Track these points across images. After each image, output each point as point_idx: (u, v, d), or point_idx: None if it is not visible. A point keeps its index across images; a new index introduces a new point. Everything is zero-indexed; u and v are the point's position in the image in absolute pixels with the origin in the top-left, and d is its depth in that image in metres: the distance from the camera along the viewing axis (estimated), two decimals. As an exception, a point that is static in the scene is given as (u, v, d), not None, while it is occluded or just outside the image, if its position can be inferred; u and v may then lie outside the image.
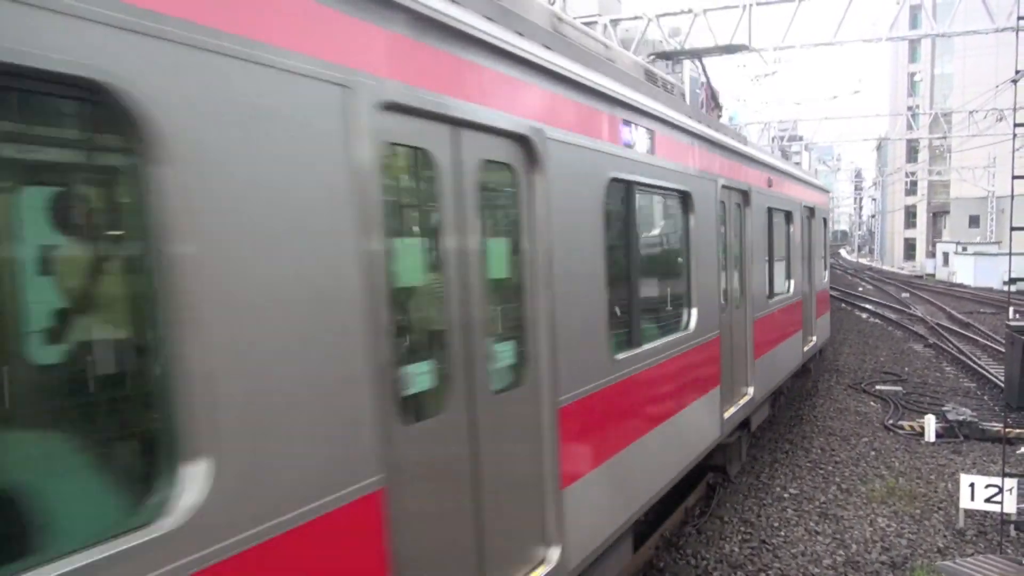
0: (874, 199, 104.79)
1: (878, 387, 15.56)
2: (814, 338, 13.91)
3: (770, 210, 10.57)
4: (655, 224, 6.80)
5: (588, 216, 4.88)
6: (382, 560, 2.89)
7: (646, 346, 5.83)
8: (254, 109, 2.45)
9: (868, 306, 31.73)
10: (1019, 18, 8.27)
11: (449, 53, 3.55)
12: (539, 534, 4.31)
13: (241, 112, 2.40)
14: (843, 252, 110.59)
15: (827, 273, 17.07)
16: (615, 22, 20.00)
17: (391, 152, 3.26)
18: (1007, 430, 9.46)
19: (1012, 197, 7.93)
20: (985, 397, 14.55)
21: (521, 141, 4.16)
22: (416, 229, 3.63)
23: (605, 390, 5.03)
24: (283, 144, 2.57)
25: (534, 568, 4.23)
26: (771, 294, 10.58)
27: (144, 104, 2.11)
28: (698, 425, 7.14)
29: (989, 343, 19.66)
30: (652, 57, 11.36)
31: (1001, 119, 35.90)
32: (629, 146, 5.61)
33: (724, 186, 8.21)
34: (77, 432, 2.28)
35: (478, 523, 3.76)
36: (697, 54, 12.80)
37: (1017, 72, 10.06)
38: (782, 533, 8.18)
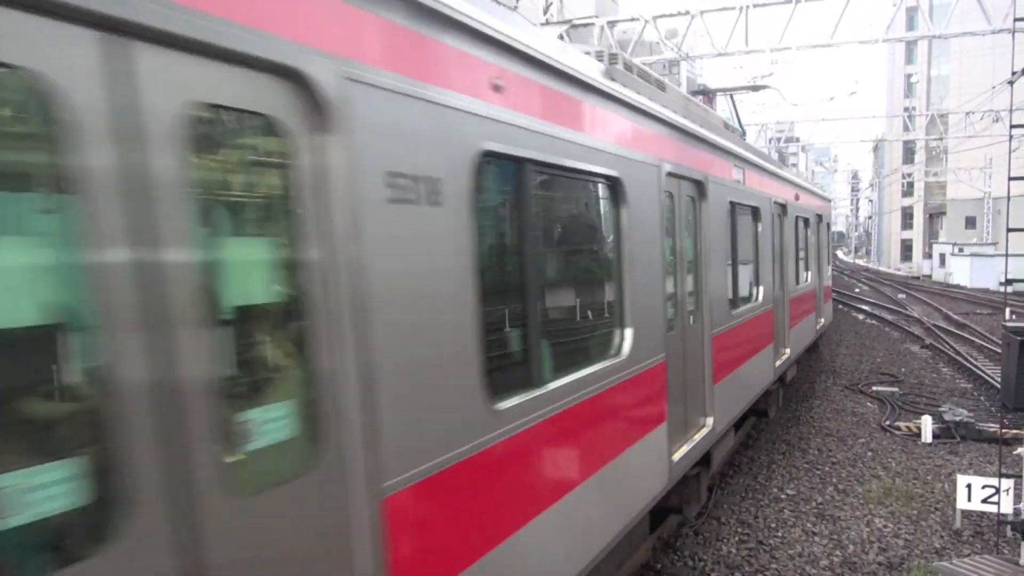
0: (871, 200, 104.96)
1: (875, 388, 15.58)
2: (823, 320, 17.82)
3: (796, 218, 13.86)
4: (743, 229, 9.79)
5: (722, 226, 8.28)
6: (664, 390, 6.18)
7: (741, 308, 9.09)
8: (638, 178, 5.66)
9: (865, 307, 31.79)
10: (1015, 20, 8.30)
11: (683, 143, 6.92)
12: (703, 408, 7.50)
13: (638, 181, 5.63)
14: (840, 253, 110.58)
15: (830, 268, 21.21)
16: (612, 24, 20.01)
17: (666, 195, 6.40)
18: (1003, 431, 9.47)
19: (1008, 199, 7.95)
20: (982, 398, 14.59)
21: (698, 184, 7.47)
22: (670, 233, 6.64)
23: (727, 331, 8.32)
24: (643, 192, 5.76)
25: (700, 429, 7.37)
26: (797, 282, 13.78)
27: (624, 183, 5.35)
28: (762, 367, 10.48)
29: (985, 344, 19.69)
30: (694, 94, 14.11)
31: (997, 120, 36.01)
32: (735, 180, 9.14)
33: (774, 202, 11.65)
34: (602, 327, 5.44)
35: (685, 393, 6.94)
36: (728, 91, 16.99)
37: (1013, 73, 10.09)
38: (779, 534, 8.19)
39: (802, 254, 14.77)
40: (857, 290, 42.28)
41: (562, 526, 4.39)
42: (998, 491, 7.67)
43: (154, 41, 2.12)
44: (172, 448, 2.11)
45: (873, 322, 27.52)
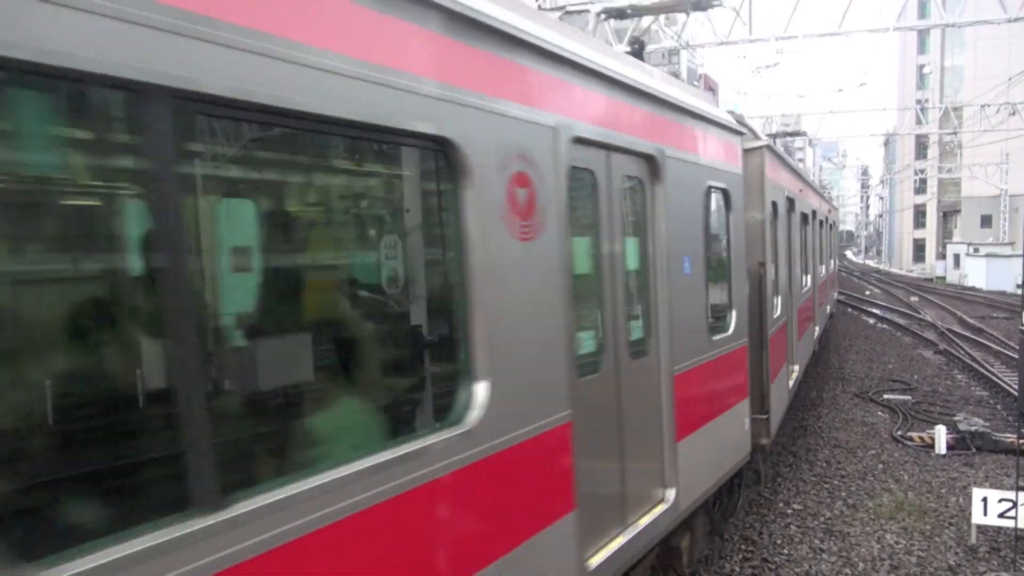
0: (881, 198, 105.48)
1: (886, 396, 15.66)
2: (836, 293, 28.49)
3: (829, 225, 22.33)
4: (816, 234, 16.61)
5: (814, 233, 15.69)
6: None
7: (809, 278, 13.99)
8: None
9: (875, 311, 31.96)
10: (1032, 8, 8.36)
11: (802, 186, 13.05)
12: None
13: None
14: (849, 254, 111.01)
15: (837, 260, 32.04)
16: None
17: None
18: (1021, 441, 9.52)
19: (1025, 196, 8.01)
20: (998, 406, 14.68)
21: (793, 205, 11.67)
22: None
23: (812, 294, 15.04)
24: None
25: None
26: (827, 268, 21.82)
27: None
28: (821, 317, 18.13)
29: (1002, 349, 19.82)
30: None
31: (1014, 113, 36.27)
32: (812, 204, 15.78)
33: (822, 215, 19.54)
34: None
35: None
36: (773, 136, 22.30)
37: (1030, 64, 10.15)
38: (785, 551, 8.21)
39: (827, 251, 22.45)
40: (867, 293, 42.48)
41: None
42: (1015, 505, 7.71)
43: None
44: None
45: (884, 326, 27.67)
